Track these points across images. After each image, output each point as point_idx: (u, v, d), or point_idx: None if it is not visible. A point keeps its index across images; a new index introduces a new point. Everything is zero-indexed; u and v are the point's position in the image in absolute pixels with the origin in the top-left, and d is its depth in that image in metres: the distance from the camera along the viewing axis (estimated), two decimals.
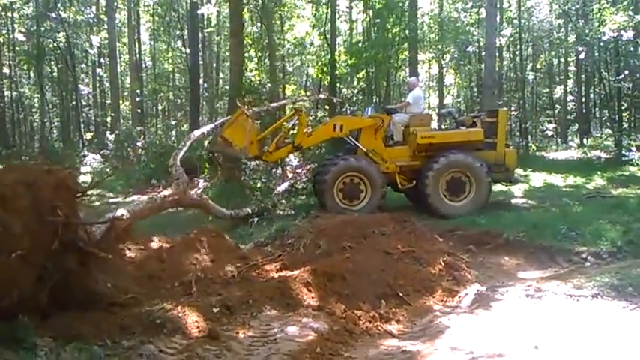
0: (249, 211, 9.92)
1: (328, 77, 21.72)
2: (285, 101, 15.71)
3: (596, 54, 24.89)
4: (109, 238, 5.01)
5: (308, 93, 25.06)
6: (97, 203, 11.75)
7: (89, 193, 5.32)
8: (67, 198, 4.35)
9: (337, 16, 25.02)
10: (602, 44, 23.12)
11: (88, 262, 4.48)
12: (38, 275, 4.06)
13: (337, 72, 21.62)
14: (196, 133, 11.33)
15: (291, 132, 11.32)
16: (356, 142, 10.54)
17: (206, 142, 13.84)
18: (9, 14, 29.12)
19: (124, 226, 5.30)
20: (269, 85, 18.56)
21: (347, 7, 29.21)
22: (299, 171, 13.75)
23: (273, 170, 13.83)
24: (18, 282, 3.89)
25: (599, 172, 16.23)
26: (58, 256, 4.17)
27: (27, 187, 4.09)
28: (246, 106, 10.57)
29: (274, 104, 14.30)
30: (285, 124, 11.72)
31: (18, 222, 3.93)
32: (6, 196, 3.97)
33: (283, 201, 10.96)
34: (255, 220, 9.21)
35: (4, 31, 29.52)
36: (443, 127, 16.78)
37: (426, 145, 10.24)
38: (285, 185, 11.78)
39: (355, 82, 24.50)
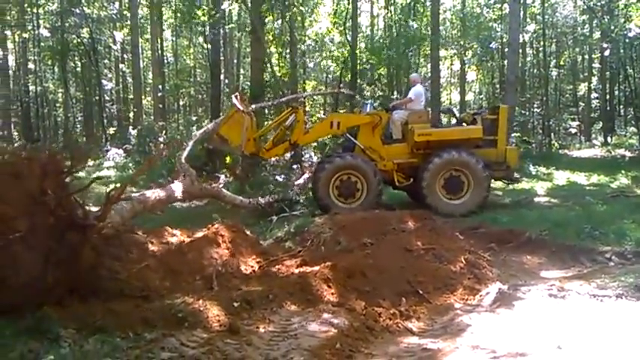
0: (270, 200, 9.93)
1: (349, 74, 21.69)
2: (295, 95, 15.71)
3: (622, 51, 24.48)
4: (107, 211, 5.12)
5: (329, 88, 25.05)
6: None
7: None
8: (55, 179, 4.46)
9: (358, 12, 24.94)
10: (627, 41, 22.74)
11: (90, 237, 4.59)
12: (44, 256, 4.19)
13: (358, 68, 21.56)
14: (199, 132, 11.34)
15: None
16: (353, 139, 10.47)
17: None
18: (34, 10, 29.56)
19: (118, 194, 5.37)
20: (281, 82, 18.50)
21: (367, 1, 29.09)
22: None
23: (294, 166, 13.85)
24: (23, 264, 4.06)
25: (623, 171, 15.97)
26: (58, 234, 4.32)
27: (13, 177, 4.25)
28: (244, 103, 10.51)
29: (284, 98, 14.25)
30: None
31: (10, 209, 4.09)
32: None
33: (303, 197, 10.95)
34: (275, 217, 9.22)
35: (29, 27, 29.98)
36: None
37: (423, 142, 10.10)
38: (305, 177, 11.78)
39: (376, 78, 24.44)
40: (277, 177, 13.21)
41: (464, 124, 10.67)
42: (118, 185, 5.72)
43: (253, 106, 11.72)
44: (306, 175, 11.98)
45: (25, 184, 4.26)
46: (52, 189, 4.36)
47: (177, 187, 7.96)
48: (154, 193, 7.23)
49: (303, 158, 14.28)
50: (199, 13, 19.37)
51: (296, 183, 11.48)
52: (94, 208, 5.49)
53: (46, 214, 4.27)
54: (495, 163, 10.44)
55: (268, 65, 18.71)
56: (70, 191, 4.63)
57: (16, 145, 25.37)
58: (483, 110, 11.36)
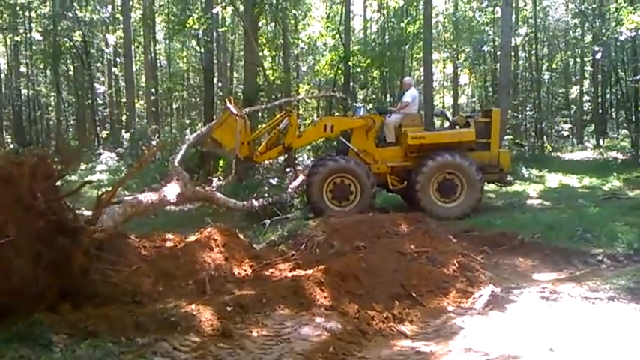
0: (264, 203, 9.92)
1: (342, 77, 21.72)
2: (288, 98, 15.74)
3: (613, 54, 24.66)
4: (98, 214, 5.10)
5: (322, 91, 25.05)
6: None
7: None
8: (44, 183, 4.46)
9: (351, 15, 24.99)
10: (619, 44, 22.90)
11: (81, 241, 4.56)
12: (34, 260, 4.17)
13: (351, 71, 21.59)
14: (192, 136, 11.31)
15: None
16: (347, 143, 10.49)
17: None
18: (26, 14, 29.46)
19: (109, 197, 5.35)
20: (274, 86, 18.49)
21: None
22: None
23: (287, 169, 13.84)
24: (14, 268, 4.03)
25: (615, 174, 16.06)
26: (49, 238, 4.30)
27: (2, 181, 4.22)
28: (237, 106, 10.51)
29: (277, 102, 14.25)
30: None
31: None
32: None
33: (297, 200, 10.94)
34: (268, 221, 9.20)
35: (21, 31, 29.89)
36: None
37: (416, 145, 10.15)
38: (299, 180, 11.78)
39: (369, 82, 24.47)
40: (270, 180, 13.21)
41: (457, 127, 10.69)
42: (110, 189, 5.69)
43: (247, 109, 11.70)
44: (299, 179, 11.99)
45: (15, 188, 4.23)
46: (42, 193, 4.34)
47: (170, 191, 7.93)
48: (147, 197, 7.20)
49: (296, 161, 14.28)
50: (190, 21, 19.29)
51: (290, 187, 11.48)
52: (87, 212, 5.48)
53: (35, 217, 4.25)
54: (489, 166, 10.49)
55: (261, 69, 18.70)
56: (61, 195, 4.61)
57: (7, 148, 25.31)
58: (476, 113, 11.40)
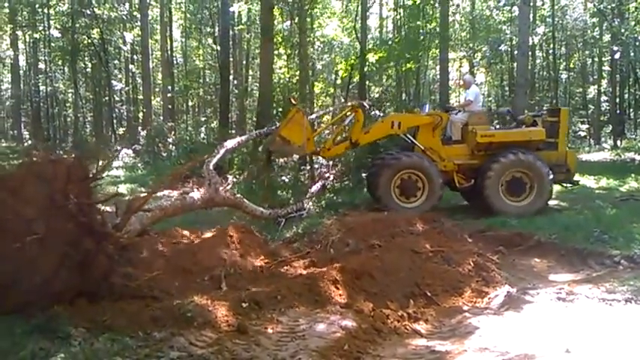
0: (288, 210, 9.90)
1: (358, 75, 21.63)
2: (321, 112, 15.99)
3: (632, 54, 24.37)
4: (127, 219, 5.13)
5: (342, 102, 25.00)
6: (128, 197, 11.90)
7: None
8: (78, 184, 4.49)
9: (367, 14, 24.93)
10: (638, 44, 22.65)
11: (106, 244, 4.60)
12: (58, 260, 4.21)
13: (367, 70, 21.51)
14: (229, 144, 11.30)
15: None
16: (413, 140, 10.44)
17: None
18: (45, 11, 29.80)
19: (139, 204, 5.38)
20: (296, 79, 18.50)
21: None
22: (325, 170, 13.71)
23: (302, 167, 13.84)
24: (38, 266, 4.08)
25: (633, 175, 15.84)
26: (76, 240, 4.33)
27: (37, 178, 4.27)
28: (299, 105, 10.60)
29: (314, 115, 14.33)
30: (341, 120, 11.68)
31: (30, 209, 4.11)
32: (16, 187, 4.19)
33: (313, 199, 10.94)
34: (283, 220, 9.19)
35: (40, 28, 30.22)
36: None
37: (485, 143, 10.03)
38: (319, 185, 11.77)
39: (384, 80, 24.38)
40: (284, 178, 13.21)
41: (523, 126, 10.59)
42: (126, 185, 5.75)
43: (314, 115, 11.83)
44: (319, 183, 11.97)
45: (49, 187, 4.26)
46: (75, 194, 4.36)
47: (201, 195, 7.96)
48: (176, 201, 7.27)
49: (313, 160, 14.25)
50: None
51: (311, 191, 11.47)
52: (102, 207, 5.53)
53: (66, 218, 4.27)
54: (556, 165, 10.33)
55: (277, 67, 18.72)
56: (93, 199, 4.63)
57: (25, 144, 25.61)
58: (543, 112, 11.28)
